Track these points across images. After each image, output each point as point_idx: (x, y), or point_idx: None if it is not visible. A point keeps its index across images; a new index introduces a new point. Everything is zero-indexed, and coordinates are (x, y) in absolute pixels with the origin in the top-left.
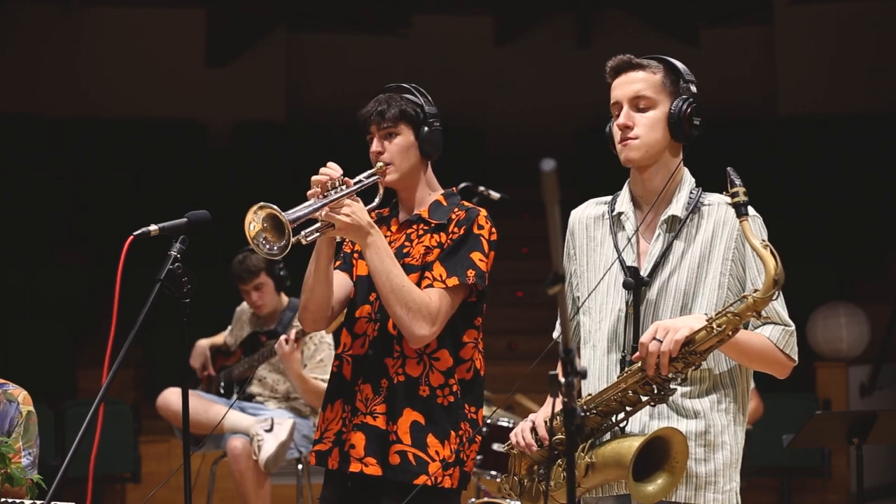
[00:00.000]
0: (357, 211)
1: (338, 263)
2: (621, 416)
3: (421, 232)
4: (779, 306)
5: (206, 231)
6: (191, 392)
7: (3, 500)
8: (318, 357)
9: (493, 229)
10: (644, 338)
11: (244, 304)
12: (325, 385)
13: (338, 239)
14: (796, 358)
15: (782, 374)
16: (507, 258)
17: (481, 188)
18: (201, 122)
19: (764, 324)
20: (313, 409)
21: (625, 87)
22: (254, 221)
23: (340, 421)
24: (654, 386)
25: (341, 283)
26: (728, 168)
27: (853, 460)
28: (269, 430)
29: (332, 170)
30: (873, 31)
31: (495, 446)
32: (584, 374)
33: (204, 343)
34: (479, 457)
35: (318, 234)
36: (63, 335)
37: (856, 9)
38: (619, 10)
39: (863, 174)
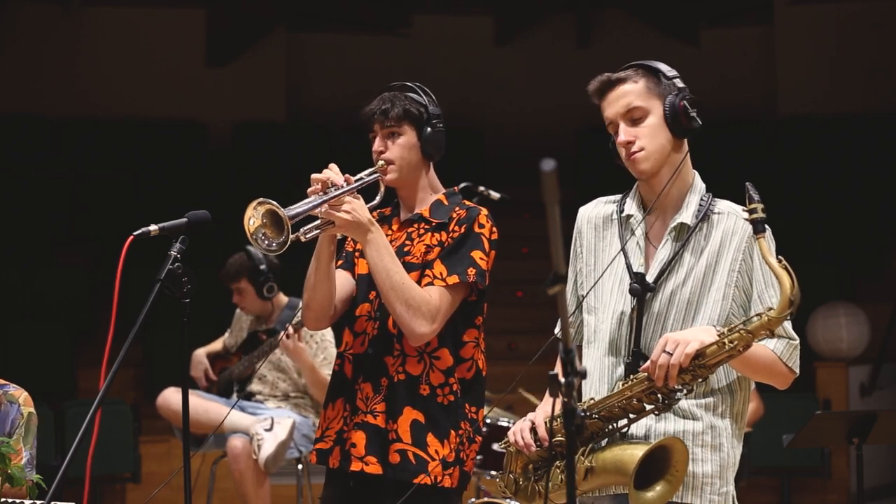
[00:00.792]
0: (357, 208)
1: (339, 262)
2: (623, 422)
3: (422, 231)
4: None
5: (206, 231)
6: (191, 392)
7: (3, 500)
8: (322, 356)
9: (494, 228)
10: (654, 354)
11: None
12: None
13: (339, 237)
14: (798, 370)
15: (783, 386)
16: (507, 258)
17: (481, 188)
18: (201, 122)
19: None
20: (315, 408)
21: (613, 104)
22: (253, 217)
23: (341, 420)
24: (660, 396)
25: (343, 281)
26: (747, 183)
27: (853, 460)
28: (269, 430)
29: (333, 172)
30: (873, 31)
31: (496, 446)
32: (584, 374)
33: (201, 352)
34: (479, 457)
35: (318, 230)
36: (63, 335)
37: (856, 9)
38: (619, 10)
39: (863, 174)
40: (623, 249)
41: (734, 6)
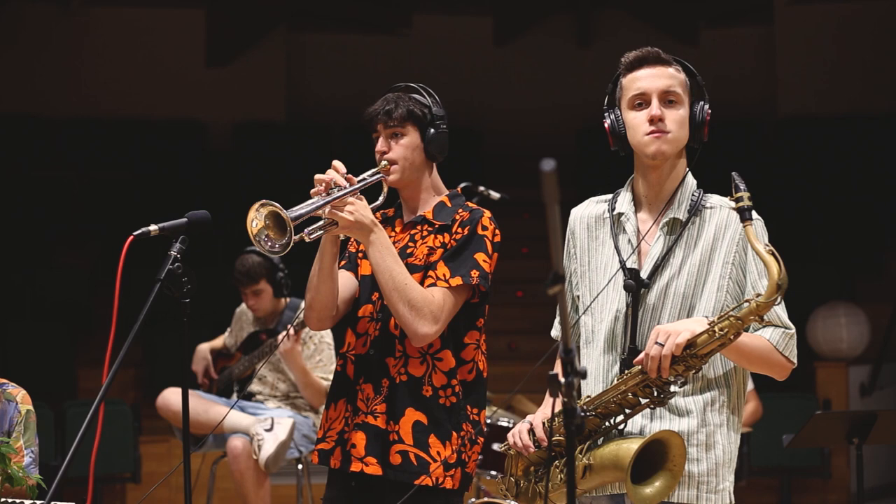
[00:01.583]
0: (360, 209)
1: (343, 263)
2: (620, 418)
3: (425, 233)
4: (779, 309)
5: (206, 231)
6: (191, 392)
7: (3, 500)
8: (318, 357)
9: (497, 231)
10: (647, 346)
11: (244, 305)
12: (326, 383)
13: (341, 237)
14: (795, 360)
15: (781, 377)
16: (507, 258)
17: (481, 188)
18: (201, 122)
19: (764, 326)
20: (313, 408)
21: (655, 79)
22: (256, 219)
23: (343, 420)
24: (654, 389)
25: (346, 282)
26: (733, 173)
27: (853, 460)
28: (269, 430)
29: (337, 168)
30: (873, 31)
31: (496, 446)
32: (583, 374)
33: (204, 347)
34: (479, 457)
35: (321, 231)
36: (63, 335)
37: (856, 9)
38: (618, 10)
39: (863, 174)
40: (616, 246)
41: (734, 6)
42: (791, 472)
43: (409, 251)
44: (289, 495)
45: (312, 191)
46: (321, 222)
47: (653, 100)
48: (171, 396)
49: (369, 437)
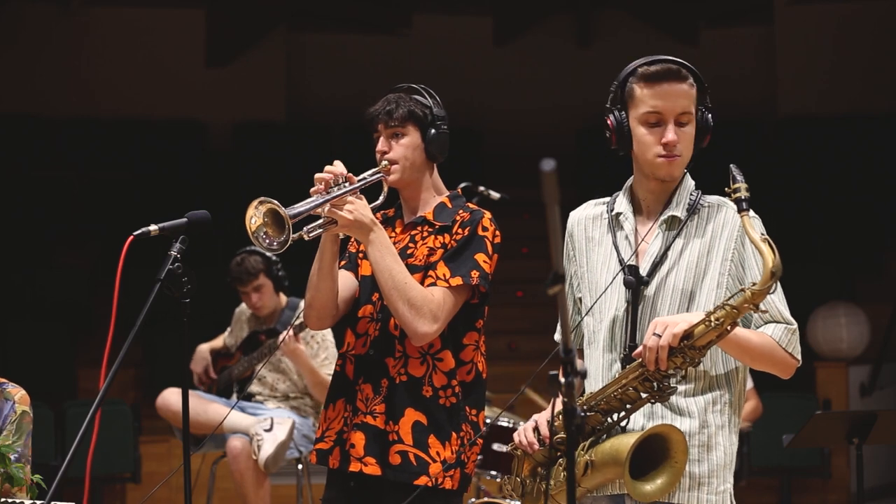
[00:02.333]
0: (360, 207)
1: (343, 263)
2: (622, 414)
3: (425, 234)
4: (781, 304)
5: (206, 231)
6: (191, 392)
7: (3, 500)
8: (323, 356)
9: (498, 232)
10: (645, 338)
11: (243, 305)
12: None
13: (342, 237)
14: (800, 358)
15: (786, 374)
16: (507, 258)
17: (481, 188)
18: (201, 122)
19: (766, 322)
20: (315, 409)
21: (672, 100)
22: (255, 216)
23: (342, 420)
24: (654, 382)
25: (346, 281)
26: (731, 165)
27: (853, 460)
28: (269, 430)
29: (337, 167)
30: (873, 31)
31: (496, 446)
32: (584, 375)
33: (204, 347)
34: (479, 457)
35: (320, 230)
36: (63, 335)
37: (856, 9)
38: (618, 10)
39: (863, 174)
40: (615, 245)
41: (734, 6)
42: (791, 472)
43: (409, 252)
44: (289, 495)
45: (312, 189)
46: (321, 221)
47: (669, 123)
48: (170, 396)
49: (368, 437)
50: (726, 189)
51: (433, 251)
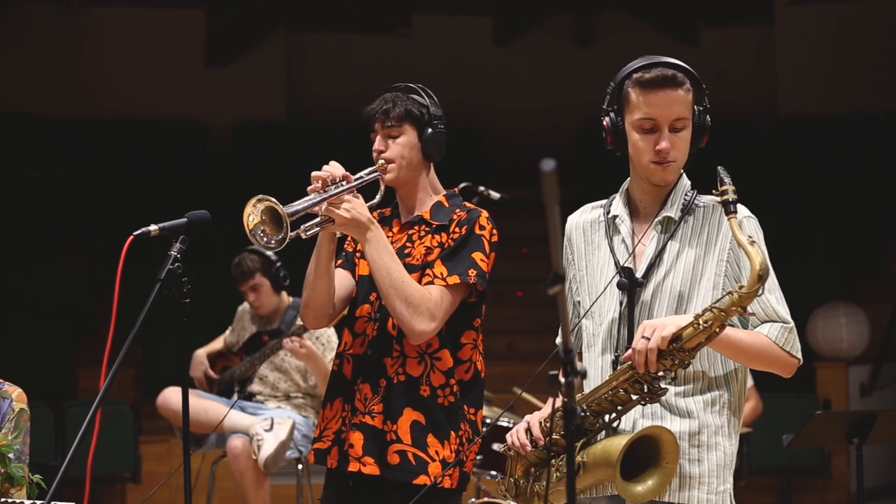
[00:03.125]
0: (357, 206)
1: (339, 262)
2: (613, 415)
3: (423, 233)
4: (777, 304)
5: (206, 231)
6: (191, 392)
7: (3, 500)
8: (330, 356)
9: (495, 231)
10: (634, 341)
11: (246, 304)
12: None
13: (339, 236)
14: (800, 356)
15: (787, 373)
16: (507, 258)
17: (481, 188)
18: (201, 122)
19: (763, 322)
20: (316, 409)
21: (666, 107)
22: (252, 214)
23: (340, 420)
24: (644, 384)
25: (343, 280)
26: (719, 167)
27: (853, 460)
28: (269, 430)
29: (334, 168)
30: (873, 31)
31: (496, 446)
32: (584, 375)
33: (201, 353)
34: (478, 457)
35: (317, 228)
36: (63, 335)
37: (856, 9)
38: (618, 10)
39: (863, 174)
40: (611, 248)
41: (734, 6)
42: (791, 472)
43: (406, 251)
44: (289, 495)
45: (309, 188)
46: (318, 219)
47: (663, 129)
48: (171, 396)
49: (367, 437)
50: (714, 192)
51: (430, 250)
